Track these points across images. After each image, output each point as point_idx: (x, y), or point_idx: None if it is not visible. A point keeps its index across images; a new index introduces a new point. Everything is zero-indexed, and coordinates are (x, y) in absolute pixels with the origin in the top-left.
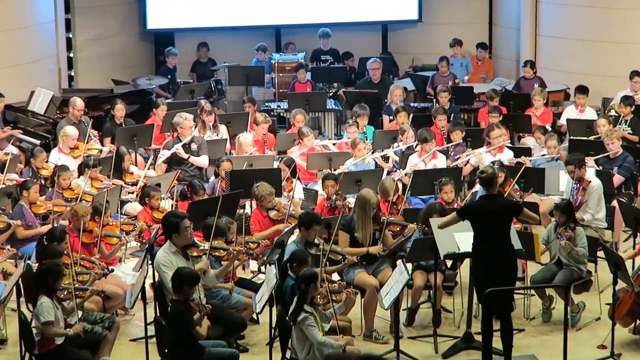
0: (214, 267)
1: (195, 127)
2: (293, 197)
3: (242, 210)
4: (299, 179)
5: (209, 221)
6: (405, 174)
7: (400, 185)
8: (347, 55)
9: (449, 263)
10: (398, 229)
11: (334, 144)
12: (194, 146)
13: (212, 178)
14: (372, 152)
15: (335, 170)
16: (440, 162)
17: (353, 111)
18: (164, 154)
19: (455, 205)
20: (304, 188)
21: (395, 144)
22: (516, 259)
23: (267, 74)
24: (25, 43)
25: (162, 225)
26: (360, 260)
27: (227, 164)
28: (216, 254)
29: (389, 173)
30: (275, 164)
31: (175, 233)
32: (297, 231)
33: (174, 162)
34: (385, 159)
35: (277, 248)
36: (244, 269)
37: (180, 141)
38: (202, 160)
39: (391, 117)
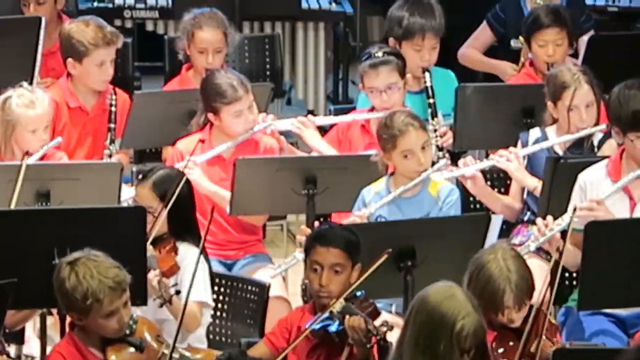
0: None
1: None
2: (174, 290)
3: None
4: (202, 246)
5: None
6: (566, 232)
7: (544, 267)
8: None
9: None
10: None
11: (322, 132)
12: None
13: None
14: (451, 157)
15: (329, 218)
16: None
17: (390, 18)
18: None
19: None
20: (222, 277)
21: (533, 134)
22: None
23: None
24: None
25: None
26: None
27: None
28: None
29: (507, 229)
30: (128, 193)
31: None
32: None
33: None
34: (499, 179)
35: None
36: None
37: None
38: None
39: (515, 43)
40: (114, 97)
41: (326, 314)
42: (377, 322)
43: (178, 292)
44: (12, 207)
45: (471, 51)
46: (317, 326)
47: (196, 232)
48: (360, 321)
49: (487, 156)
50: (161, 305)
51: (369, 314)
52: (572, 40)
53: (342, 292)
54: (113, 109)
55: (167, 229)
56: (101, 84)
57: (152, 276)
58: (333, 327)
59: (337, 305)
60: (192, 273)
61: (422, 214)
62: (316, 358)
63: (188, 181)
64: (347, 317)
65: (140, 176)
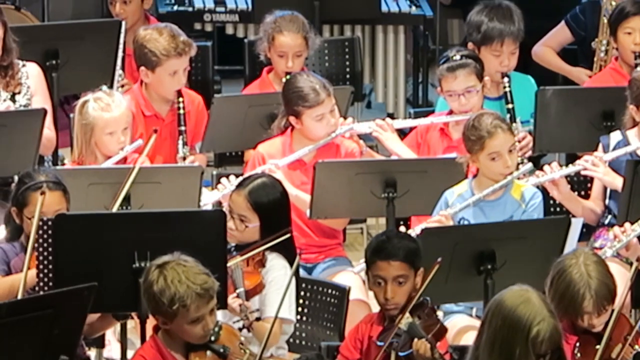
0: None
1: None
2: (256, 316)
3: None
4: (297, 251)
5: None
6: None
7: (623, 271)
8: None
9: None
10: None
11: (402, 135)
12: None
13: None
14: (529, 161)
15: (408, 223)
16: None
17: (469, 23)
18: None
19: None
20: (302, 281)
21: (614, 137)
22: None
23: None
24: None
25: None
26: None
27: (51, 195)
28: None
29: (587, 232)
30: (208, 197)
31: None
32: None
33: None
34: (579, 182)
35: None
36: None
37: None
38: None
39: (595, 44)
40: (180, 99)
41: (394, 331)
42: (444, 343)
43: (258, 319)
44: (114, 210)
45: (546, 50)
46: (386, 343)
47: (290, 244)
48: (426, 347)
49: (568, 159)
50: (241, 330)
51: (435, 334)
52: None
53: (408, 300)
54: (181, 112)
55: (260, 237)
56: (173, 93)
57: (231, 300)
58: (402, 353)
59: (404, 322)
60: (277, 289)
61: (505, 217)
62: None
63: (285, 191)
64: (414, 340)
65: (237, 182)
